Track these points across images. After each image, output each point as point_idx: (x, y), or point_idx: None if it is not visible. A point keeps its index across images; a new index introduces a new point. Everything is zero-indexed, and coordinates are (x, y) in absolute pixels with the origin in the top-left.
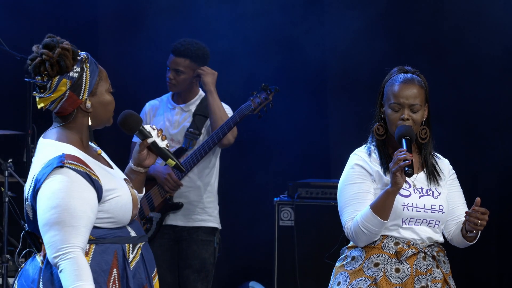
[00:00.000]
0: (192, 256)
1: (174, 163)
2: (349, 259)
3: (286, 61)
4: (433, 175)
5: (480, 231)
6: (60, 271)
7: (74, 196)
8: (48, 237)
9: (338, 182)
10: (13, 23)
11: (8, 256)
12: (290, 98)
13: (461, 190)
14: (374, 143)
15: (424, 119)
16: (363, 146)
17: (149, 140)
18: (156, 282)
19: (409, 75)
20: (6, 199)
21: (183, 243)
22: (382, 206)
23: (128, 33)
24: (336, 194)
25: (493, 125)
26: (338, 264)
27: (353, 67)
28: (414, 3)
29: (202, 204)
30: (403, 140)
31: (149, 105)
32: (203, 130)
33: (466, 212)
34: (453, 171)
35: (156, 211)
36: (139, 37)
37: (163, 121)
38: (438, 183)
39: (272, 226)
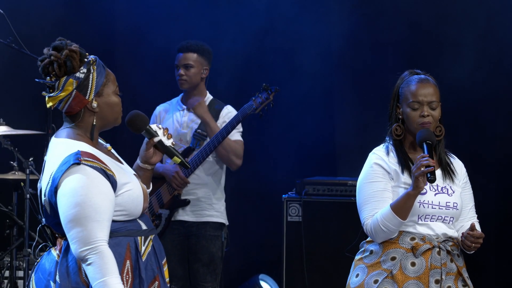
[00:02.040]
0: (201, 250)
1: (179, 160)
2: (368, 253)
3: (292, 59)
4: (448, 173)
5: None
6: (89, 264)
7: (95, 192)
8: (74, 232)
9: (343, 180)
10: (36, 30)
11: (29, 250)
12: (297, 98)
13: (472, 191)
14: (391, 142)
15: (440, 117)
16: (381, 145)
17: (156, 139)
18: (165, 270)
19: (422, 75)
20: (28, 195)
21: (192, 238)
22: (402, 207)
23: (142, 41)
24: (341, 191)
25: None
26: (357, 257)
27: (360, 68)
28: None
29: (210, 201)
30: (424, 145)
31: (158, 108)
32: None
33: (462, 234)
34: (466, 173)
35: (165, 208)
36: (152, 45)
37: (172, 122)
38: (453, 180)
39: (280, 222)
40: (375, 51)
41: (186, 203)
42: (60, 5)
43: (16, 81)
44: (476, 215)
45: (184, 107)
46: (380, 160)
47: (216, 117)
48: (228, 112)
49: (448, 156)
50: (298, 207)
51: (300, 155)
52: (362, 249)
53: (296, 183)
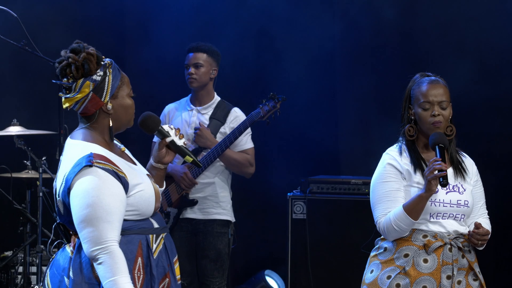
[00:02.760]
0: (208, 247)
1: (191, 159)
2: (382, 250)
3: (297, 60)
4: (459, 171)
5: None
6: (99, 264)
7: (106, 193)
8: (85, 232)
9: (347, 179)
10: (50, 34)
11: (42, 246)
12: (302, 99)
13: (483, 189)
14: (404, 142)
15: (450, 117)
16: (395, 146)
17: (168, 139)
18: (177, 267)
19: (433, 77)
20: (41, 194)
21: (199, 235)
22: (414, 208)
23: (152, 43)
24: (345, 189)
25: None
26: (372, 254)
27: (362, 69)
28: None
29: (217, 199)
30: (437, 148)
31: (168, 108)
32: (218, 135)
33: (468, 232)
34: (477, 171)
35: (174, 206)
36: (160, 47)
37: (181, 122)
38: (464, 178)
39: (285, 219)
40: (377, 52)
41: (194, 203)
42: (70, 7)
43: (29, 83)
44: (487, 211)
45: (193, 107)
46: (393, 160)
47: (223, 119)
48: (236, 116)
49: (460, 154)
50: (303, 205)
51: (304, 154)
52: (377, 246)
53: (300, 181)
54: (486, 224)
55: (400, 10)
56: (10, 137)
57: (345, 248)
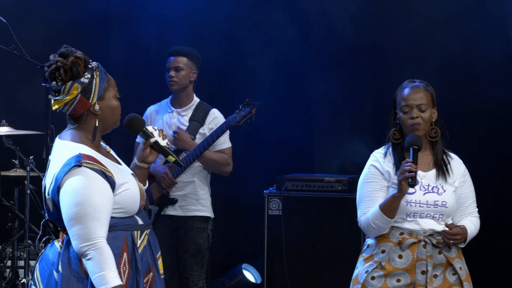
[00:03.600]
0: (189, 242)
1: (174, 159)
2: (366, 247)
3: (271, 58)
4: (442, 173)
5: (466, 240)
6: (88, 259)
7: (94, 192)
8: (75, 230)
9: (320, 177)
10: (37, 38)
11: (29, 241)
12: (276, 99)
13: (472, 188)
14: (391, 145)
15: (434, 120)
16: (382, 148)
17: (152, 140)
18: (160, 263)
19: (416, 82)
20: (28, 191)
21: (180, 231)
22: (389, 207)
23: (134, 46)
24: (318, 187)
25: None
26: (361, 251)
27: (336, 69)
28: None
29: (197, 196)
30: (411, 150)
31: (149, 109)
32: (197, 136)
33: (441, 232)
34: (466, 171)
35: (155, 204)
36: (143, 50)
37: (162, 123)
38: (446, 180)
39: (262, 215)
40: (352, 53)
41: (174, 201)
42: (58, 14)
43: (17, 85)
44: (477, 210)
45: (173, 109)
46: (376, 162)
47: (202, 120)
48: (215, 117)
49: (447, 155)
50: (279, 201)
51: (280, 153)
52: (364, 243)
53: (276, 179)
54: (472, 223)
55: (370, 15)
56: None
57: (319, 242)
